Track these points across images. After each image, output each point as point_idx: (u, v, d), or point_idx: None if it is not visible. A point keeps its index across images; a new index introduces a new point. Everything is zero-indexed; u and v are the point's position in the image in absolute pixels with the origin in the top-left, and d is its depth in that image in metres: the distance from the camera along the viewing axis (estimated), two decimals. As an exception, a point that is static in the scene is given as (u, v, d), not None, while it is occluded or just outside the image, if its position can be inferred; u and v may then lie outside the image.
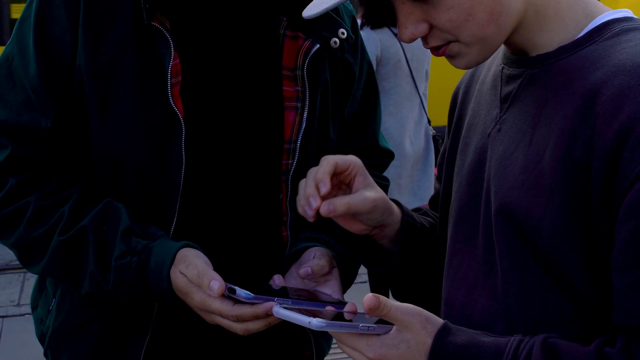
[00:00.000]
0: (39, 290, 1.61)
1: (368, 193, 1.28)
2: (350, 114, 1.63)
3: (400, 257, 1.39)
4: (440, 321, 1.12)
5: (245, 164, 1.50)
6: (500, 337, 1.11)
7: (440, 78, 5.53)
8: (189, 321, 1.41)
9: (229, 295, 1.25)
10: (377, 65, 4.09)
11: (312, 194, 1.24)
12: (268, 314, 1.23)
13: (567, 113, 1.09)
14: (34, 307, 1.62)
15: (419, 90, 4.32)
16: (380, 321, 1.12)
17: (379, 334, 1.11)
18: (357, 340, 1.11)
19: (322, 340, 1.64)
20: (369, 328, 1.10)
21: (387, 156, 1.75)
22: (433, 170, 4.56)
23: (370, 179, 1.30)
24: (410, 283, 1.46)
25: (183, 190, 1.42)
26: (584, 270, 1.07)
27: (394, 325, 1.11)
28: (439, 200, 1.42)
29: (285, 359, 1.60)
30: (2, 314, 4.95)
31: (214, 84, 1.47)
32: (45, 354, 1.56)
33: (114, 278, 1.35)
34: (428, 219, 1.47)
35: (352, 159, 1.29)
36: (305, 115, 1.49)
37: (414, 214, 1.43)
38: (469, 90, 1.38)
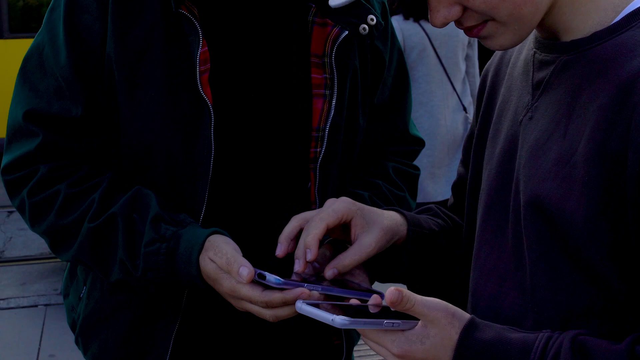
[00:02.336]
0: (70, 278, 1.62)
1: (368, 239, 1.30)
2: (381, 102, 1.62)
3: (408, 266, 1.38)
4: (467, 316, 1.10)
5: (273, 152, 1.49)
6: (528, 332, 1.08)
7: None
8: (218, 309, 1.41)
9: (258, 281, 1.24)
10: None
11: (300, 256, 1.28)
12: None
13: (602, 103, 1.05)
14: (66, 294, 1.64)
15: (452, 78, 4.26)
16: (407, 316, 1.10)
17: (404, 330, 1.09)
18: (381, 336, 1.09)
19: (353, 329, 1.63)
20: (394, 324, 1.08)
21: (418, 144, 1.73)
22: (471, 159, 4.48)
23: (367, 214, 1.31)
24: (423, 288, 1.45)
25: (212, 178, 1.42)
26: (615, 265, 1.04)
27: (419, 320, 1.09)
28: (467, 187, 1.39)
29: (314, 348, 1.60)
30: (45, 303, 5.03)
31: (242, 72, 1.46)
32: (77, 342, 1.58)
33: (143, 264, 1.36)
34: (438, 220, 1.45)
35: (343, 208, 1.29)
36: (333, 102, 1.48)
37: (421, 219, 1.41)
38: (499, 73, 1.35)
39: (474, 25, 1.13)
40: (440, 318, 1.08)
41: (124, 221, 1.39)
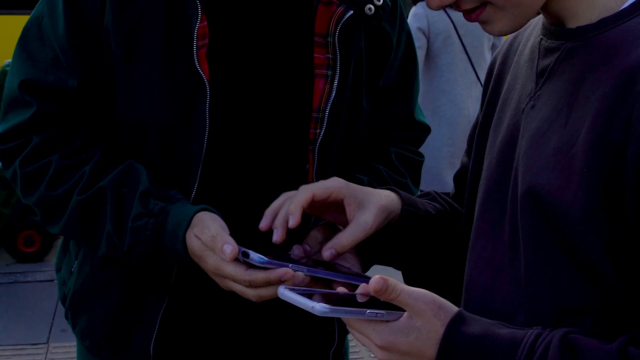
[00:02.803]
0: (63, 251, 1.61)
1: (365, 216, 1.26)
2: (387, 85, 1.57)
3: (401, 247, 1.34)
4: (454, 309, 1.06)
5: (271, 132, 1.46)
6: (518, 329, 1.04)
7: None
8: (207, 287, 1.38)
9: (243, 260, 1.22)
10: (428, 41, 4.00)
11: (278, 225, 1.25)
12: (282, 280, 1.20)
13: (605, 92, 1.01)
14: (58, 269, 1.62)
15: (476, 67, 4.20)
16: (395, 307, 1.06)
17: (388, 321, 1.05)
18: (365, 326, 1.06)
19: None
20: (377, 314, 1.04)
21: (423, 130, 1.69)
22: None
23: (361, 194, 1.28)
24: (418, 272, 1.41)
25: (206, 156, 1.39)
26: (612, 259, 1.00)
27: (405, 311, 1.05)
28: (468, 177, 1.35)
29: (306, 334, 1.57)
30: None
31: (242, 48, 1.43)
32: (66, 316, 1.57)
33: (130, 239, 1.34)
34: (435, 204, 1.41)
35: (334, 185, 1.26)
36: (335, 83, 1.44)
37: (418, 200, 1.37)
38: (506, 60, 1.31)
39: (472, 8, 1.10)
40: (427, 310, 1.04)
41: (113, 195, 1.36)
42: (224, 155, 1.43)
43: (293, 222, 1.23)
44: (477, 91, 4.39)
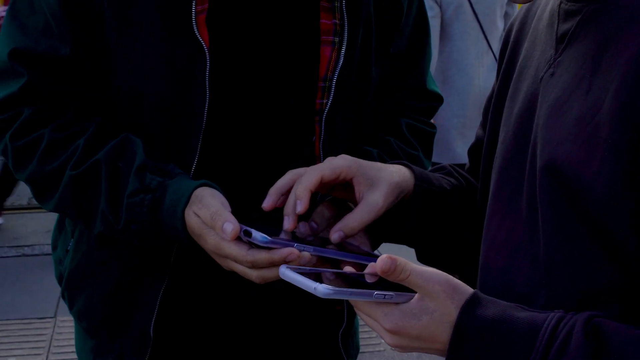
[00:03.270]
0: (59, 229, 1.54)
1: (375, 196, 1.19)
2: (397, 52, 1.49)
3: (414, 225, 1.27)
4: (469, 290, 0.99)
5: (275, 102, 1.38)
6: (537, 312, 0.97)
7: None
8: (209, 268, 1.32)
9: (245, 239, 1.14)
10: (440, 10, 3.89)
11: (289, 212, 1.17)
12: (286, 261, 1.13)
13: (632, 55, 0.93)
14: (54, 247, 1.56)
15: (488, 35, 4.10)
16: (405, 288, 0.99)
17: (398, 303, 0.98)
18: (374, 309, 0.99)
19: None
20: (385, 296, 0.97)
21: (436, 100, 1.61)
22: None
23: (371, 171, 1.20)
24: (433, 250, 1.33)
25: (206, 128, 1.32)
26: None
27: (415, 293, 0.99)
28: (483, 151, 1.28)
29: (313, 315, 1.51)
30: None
31: (243, 14, 1.35)
32: (63, 296, 1.50)
33: (126, 216, 1.27)
34: (450, 179, 1.33)
35: (342, 164, 1.19)
36: (342, 50, 1.36)
37: (432, 176, 1.30)
38: (524, 27, 1.24)
39: None
40: (439, 291, 0.97)
41: (108, 169, 1.29)
42: (225, 127, 1.36)
43: (301, 208, 1.15)
44: (488, 60, 4.30)
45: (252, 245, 1.14)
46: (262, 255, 1.12)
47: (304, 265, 1.15)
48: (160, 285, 1.37)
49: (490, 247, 1.15)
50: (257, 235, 1.11)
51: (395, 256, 0.96)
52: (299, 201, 1.15)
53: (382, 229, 1.30)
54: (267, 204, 1.19)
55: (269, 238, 1.11)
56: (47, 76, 1.34)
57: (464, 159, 4.64)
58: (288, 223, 1.16)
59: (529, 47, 1.18)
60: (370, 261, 1.19)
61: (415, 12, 1.52)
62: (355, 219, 1.18)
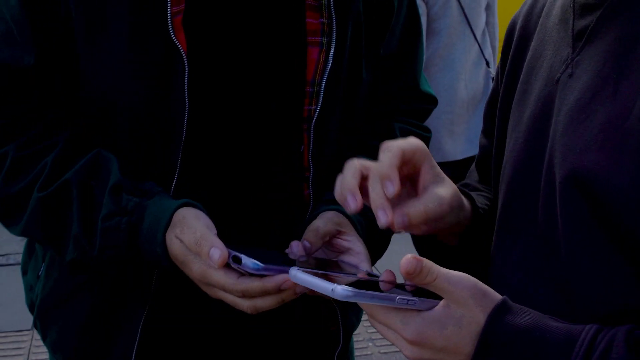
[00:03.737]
0: (29, 253, 1.42)
1: (441, 191, 1.03)
2: (388, 53, 1.39)
3: (462, 252, 1.16)
4: (498, 297, 0.90)
5: (259, 110, 1.27)
6: (571, 324, 0.88)
7: (508, 13, 5.22)
8: (193, 291, 1.20)
9: (235, 266, 1.04)
10: (427, 5, 3.80)
11: (379, 202, 0.94)
12: (281, 289, 1.02)
13: None
14: (24, 272, 1.44)
15: (474, 29, 4.02)
16: (423, 294, 0.89)
17: (420, 310, 0.88)
18: (392, 316, 0.88)
19: (351, 313, 1.43)
20: (409, 302, 0.87)
21: (430, 102, 1.51)
22: (489, 117, 4.29)
23: (438, 168, 1.05)
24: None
25: (186, 140, 1.21)
26: None
27: (439, 300, 0.88)
28: (492, 161, 1.18)
29: (307, 336, 1.40)
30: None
31: (223, 14, 1.23)
32: (35, 325, 1.38)
33: (101, 241, 1.15)
34: (484, 194, 1.22)
35: (418, 144, 1.01)
36: (331, 52, 1.25)
37: (479, 199, 1.18)
38: (528, 24, 1.14)
39: None
40: (468, 298, 0.87)
41: (79, 190, 1.18)
42: (206, 139, 1.25)
43: (395, 187, 0.94)
44: (474, 53, 4.22)
45: (243, 273, 1.04)
46: (254, 284, 1.02)
47: (299, 293, 1.05)
48: (141, 312, 1.25)
49: (504, 265, 1.05)
50: (248, 262, 1.01)
51: (420, 257, 0.86)
52: (388, 182, 0.94)
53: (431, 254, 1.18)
54: (355, 205, 0.96)
55: (261, 265, 1.00)
56: (10, 88, 1.22)
57: (452, 156, 4.54)
58: (384, 217, 0.93)
59: (537, 46, 1.08)
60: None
61: (406, 10, 1.42)
62: (421, 204, 1.00)
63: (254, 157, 1.28)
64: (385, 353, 3.59)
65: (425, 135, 1.48)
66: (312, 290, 1.05)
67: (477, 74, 4.16)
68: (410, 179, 1.05)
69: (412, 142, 1.01)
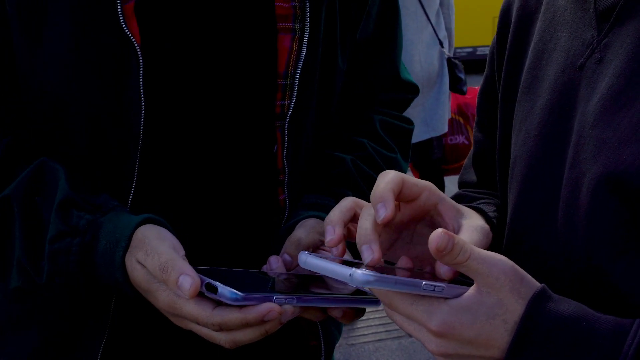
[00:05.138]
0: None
1: (476, 222, 0.92)
2: (364, 37, 1.25)
3: None
4: (537, 283, 0.79)
5: (225, 108, 1.13)
6: (615, 316, 0.78)
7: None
8: (160, 315, 1.06)
9: (210, 295, 0.89)
10: None
11: (365, 237, 0.84)
12: (264, 320, 0.89)
13: None
14: None
15: (427, 10, 3.95)
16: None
17: (446, 298, 0.77)
18: (415, 306, 0.78)
19: (333, 327, 1.30)
20: (436, 288, 0.76)
21: (411, 91, 1.39)
22: (447, 98, 4.22)
23: (458, 205, 0.93)
24: None
25: (143, 145, 1.06)
26: None
27: (468, 285, 0.78)
28: (497, 157, 1.06)
29: (285, 353, 1.27)
30: None
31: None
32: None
33: (49, 267, 1.00)
34: (489, 201, 1.09)
35: (426, 183, 0.90)
36: (305, 39, 1.11)
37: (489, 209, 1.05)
38: (527, 3, 1.03)
39: None
40: (504, 282, 0.76)
41: (22, 207, 1.02)
42: (166, 142, 1.10)
43: (388, 211, 0.83)
44: (427, 35, 4.14)
45: (218, 302, 0.89)
46: (232, 316, 0.88)
47: (285, 320, 0.91)
48: (100, 339, 1.10)
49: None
50: (225, 291, 0.86)
51: (451, 232, 0.75)
52: (380, 204, 0.84)
53: None
54: (335, 236, 0.88)
55: (241, 294, 0.86)
56: None
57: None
58: (368, 253, 0.82)
59: (545, 28, 0.96)
60: (367, 303, 0.97)
61: None
62: (468, 237, 0.88)
63: (221, 161, 1.13)
64: (353, 344, 3.50)
65: (407, 128, 1.35)
66: (303, 309, 0.93)
67: (431, 55, 4.09)
68: (417, 222, 0.93)
69: (422, 182, 0.90)
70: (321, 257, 0.82)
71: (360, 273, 0.74)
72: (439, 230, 0.74)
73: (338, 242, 0.88)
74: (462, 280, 0.81)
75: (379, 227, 0.85)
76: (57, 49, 1.03)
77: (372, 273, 0.74)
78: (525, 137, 0.95)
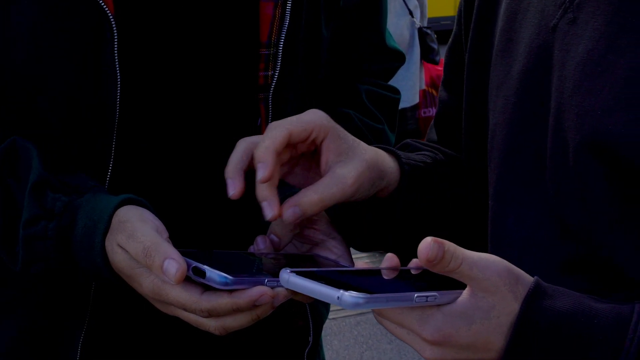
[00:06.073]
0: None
1: (344, 171, 0.89)
2: (349, 4, 1.20)
3: (401, 224, 1.00)
4: (530, 279, 0.77)
5: (205, 80, 1.07)
6: (615, 303, 0.76)
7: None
8: (141, 298, 1.00)
9: (197, 280, 0.84)
10: None
11: (262, 193, 0.87)
12: (256, 304, 0.84)
13: None
14: None
15: None
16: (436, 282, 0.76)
17: (439, 305, 0.74)
18: (406, 314, 0.75)
19: (321, 305, 1.26)
20: (428, 298, 0.73)
21: (398, 59, 1.34)
22: (417, 68, 4.18)
23: (346, 139, 0.92)
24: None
25: (120, 121, 1.00)
26: None
27: (462, 289, 0.75)
28: (464, 123, 1.02)
29: (272, 334, 1.22)
30: None
31: None
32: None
33: (24, 254, 0.94)
34: (426, 153, 1.06)
35: (314, 119, 0.89)
36: (288, 6, 1.06)
37: (415, 158, 1.02)
38: None
39: None
40: (499, 285, 0.74)
41: None
42: (144, 118, 1.04)
43: (266, 172, 0.85)
44: (396, 5, 4.10)
45: (206, 286, 0.84)
46: (222, 301, 0.83)
47: (278, 303, 0.87)
48: (80, 327, 1.05)
49: (509, 246, 0.90)
50: (214, 275, 0.81)
51: (441, 240, 0.72)
52: (261, 164, 0.85)
53: (360, 232, 1.02)
54: (235, 190, 0.88)
55: (231, 278, 0.81)
56: None
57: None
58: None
59: None
60: None
61: None
62: (315, 192, 0.88)
63: (202, 136, 1.08)
64: (334, 319, 3.48)
65: (394, 97, 1.31)
66: (299, 295, 0.89)
67: (400, 25, 4.06)
68: (308, 162, 0.94)
69: (307, 118, 0.89)
70: (304, 277, 0.77)
71: (348, 296, 0.71)
72: (428, 239, 0.71)
73: (239, 194, 0.87)
74: (455, 280, 0.77)
75: (273, 183, 0.87)
76: (26, 22, 0.97)
77: (362, 296, 0.71)
78: (503, 104, 0.91)
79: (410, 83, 4.13)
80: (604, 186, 0.78)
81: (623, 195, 0.77)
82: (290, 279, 0.77)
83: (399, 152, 1.00)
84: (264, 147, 0.86)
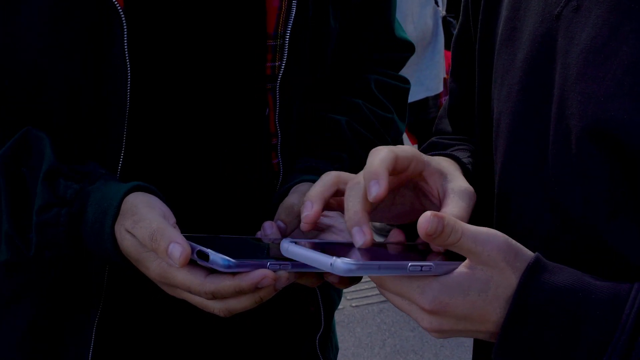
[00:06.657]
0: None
1: (461, 183, 0.89)
2: None
3: None
4: (530, 253, 0.78)
5: (213, 71, 1.09)
6: (612, 282, 0.76)
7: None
8: (154, 286, 1.03)
9: (201, 263, 0.87)
10: None
11: (355, 218, 0.80)
12: (258, 287, 0.86)
13: None
14: None
15: None
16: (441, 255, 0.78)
17: (437, 275, 0.76)
18: (405, 285, 0.76)
19: (333, 291, 1.28)
20: (423, 268, 0.75)
21: (407, 49, 1.35)
22: (442, 57, 4.16)
23: (440, 165, 0.90)
24: None
25: (131, 111, 1.02)
26: None
27: (460, 261, 0.76)
28: (476, 112, 1.03)
29: (282, 320, 1.25)
30: None
31: None
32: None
33: (38, 239, 0.97)
34: (462, 147, 1.06)
35: (411, 150, 0.86)
36: None
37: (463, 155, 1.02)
38: None
39: None
40: (498, 259, 0.75)
41: (7, 178, 0.99)
42: (154, 108, 1.06)
43: (380, 190, 0.79)
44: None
45: (211, 270, 0.87)
46: (226, 283, 0.85)
47: (281, 286, 0.89)
48: (94, 314, 1.08)
49: (511, 236, 0.91)
50: (217, 258, 0.84)
51: (441, 214, 0.73)
52: (374, 182, 0.79)
53: None
54: (308, 216, 0.86)
55: (233, 261, 0.84)
56: None
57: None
58: (360, 236, 0.79)
59: None
60: None
61: None
62: (456, 209, 0.85)
63: (211, 126, 1.10)
64: (357, 306, 3.50)
65: (404, 87, 1.32)
66: (299, 275, 0.91)
67: (424, 14, 4.03)
68: (408, 191, 0.92)
69: (407, 149, 0.86)
70: (303, 246, 0.80)
71: (340, 262, 0.73)
72: (428, 213, 0.72)
73: (314, 219, 0.86)
74: (453, 254, 0.79)
75: (368, 206, 0.82)
76: (37, 15, 0.99)
77: (353, 262, 0.73)
78: (507, 92, 0.92)
79: (435, 72, 4.11)
80: (606, 174, 0.78)
81: (625, 183, 0.78)
82: (289, 248, 0.80)
83: (460, 158, 1.00)
84: (376, 164, 0.81)
